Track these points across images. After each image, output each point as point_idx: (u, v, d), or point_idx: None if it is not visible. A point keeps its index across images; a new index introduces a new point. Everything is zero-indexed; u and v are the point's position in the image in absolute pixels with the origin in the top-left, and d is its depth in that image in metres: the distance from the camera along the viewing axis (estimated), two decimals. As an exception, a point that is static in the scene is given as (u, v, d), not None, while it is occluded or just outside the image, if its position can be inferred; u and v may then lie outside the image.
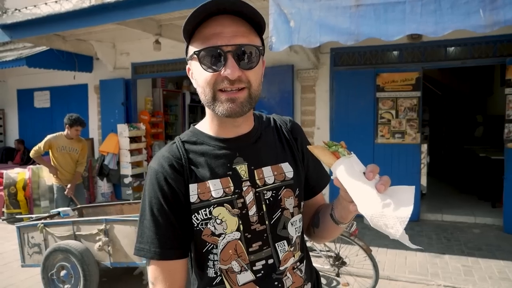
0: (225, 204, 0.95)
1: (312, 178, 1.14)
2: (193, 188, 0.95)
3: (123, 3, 5.20)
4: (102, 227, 3.42)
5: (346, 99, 6.11)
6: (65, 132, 4.86)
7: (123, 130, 7.55)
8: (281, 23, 3.94)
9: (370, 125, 5.95)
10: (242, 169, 0.98)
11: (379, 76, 5.90)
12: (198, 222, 0.95)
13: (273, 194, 1.00)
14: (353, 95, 6.05)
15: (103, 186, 7.73)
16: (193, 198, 0.95)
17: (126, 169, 7.63)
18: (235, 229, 0.96)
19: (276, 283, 0.99)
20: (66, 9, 7.12)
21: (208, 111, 0.99)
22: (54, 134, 4.89)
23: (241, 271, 0.97)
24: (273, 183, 1.01)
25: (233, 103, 0.90)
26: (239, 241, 0.96)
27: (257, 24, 0.93)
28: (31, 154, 4.88)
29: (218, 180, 0.96)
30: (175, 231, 0.95)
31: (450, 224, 5.66)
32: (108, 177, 7.66)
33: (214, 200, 0.95)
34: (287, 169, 1.04)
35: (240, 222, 0.96)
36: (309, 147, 0.93)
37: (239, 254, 0.97)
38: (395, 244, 4.80)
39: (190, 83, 9.65)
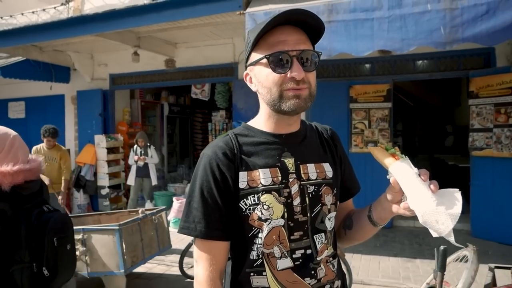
0: (272, 192, 1.03)
1: (347, 183, 1.23)
2: (243, 175, 1.04)
3: (102, 15, 5.27)
4: (79, 236, 3.43)
5: (321, 110, 6.28)
6: (44, 144, 5.11)
7: (101, 141, 7.52)
8: (257, 37, 4.09)
9: (344, 134, 6.16)
10: (289, 162, 1.07)
11: (352, 88, 6.14)
12: (246, 207, 1.03)
13: (315, 189, 1.08)
14: (328, 106, 6.24)
15: (80, 197, 7.64)
16: (242, 184, 1.03)
17: (103, 180, 7.58)
18: (280, 215, 1.03)
19: (312, 272, 1.05)
20: (44, 20, 7.10)
21: (265, 109, 1.10)
22: (36, 146, 5.15)
23: (281, 257, 1.03)
24: (316, 179, 1.09)
25: (298, 99, 1.00)
26: (282, 228, 1.03)
27: (313, 33, 1.05)
28: None
29: (268, 169, 1.04)
30: (222, 213, 1.03)
31: (421, 230, 5.87)
32: (85, 189, 7.58)
33: (263, 187, 1.03)
34: (328, 169, 1.13)
35: (285, 210, 1.03)
36: (369, 148, 1.07)
37: (281, 240, 1.03)
38: (369, 250, 4.97)
39: (169, 94, 9.73)
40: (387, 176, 0.96)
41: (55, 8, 7.98)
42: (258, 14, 4.16)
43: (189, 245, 4.21)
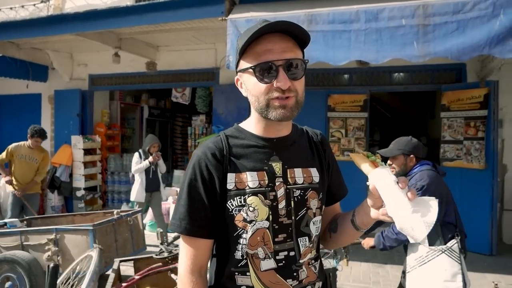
0: (258, 194, 1.06)
1: (333, 187, 1.25)
2: (231, 177, 1.06)
3: (83, 14, 5.24)
4: (52, 236, 3.39)
5: (300, 117, 6.11)
6: (27, 142, 5.08)
7: (78, 141, 7.40)
8: (238, 43, 4.17)
9: (322, 142, 6.26)
10: (277, 166, 1.10)
11: (331, 97, 6.28)
12: (232, 207, 1.06)
13: (301, 193, 1.11)
14: (306, 114, 6.20)
15: (54, 199, 7.48)
16: (230, 185, 1.06)
17: (79, 182, 7.45)
18: (265, 218, 1.05)
19: (294, 274, 1.08)
20: (22, 17, 6.99)
21: (254, 114, 1.13)
22: (16, 143, 5.14)
23: (264, 258, 1.06)
24: (302, 183, 1.12)
25: (284, 109, 1.02)
26: (267, 230, 1.06)
27: (300, 40, 1.06)
28: None
29: (255, 172, 1.07)
30: (207, 212, 1.06)
31: (393, 238, 6.03)
32: (60, 190, 7.43)
33: (250, 189, 1.06)
34: (315, 174, 1.15)
35: (270, 212, 1.06)
36: (351, 154, 1.09)
37: (266, 242, 1.06)
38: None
39: (149, 97, 9.69)
40: (367, 183, 1.00)
41: (34, 5, 7.86)
42: (239, 21, 4.24)
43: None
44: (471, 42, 3.47)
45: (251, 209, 1.05)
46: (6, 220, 4.10)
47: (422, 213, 0.90)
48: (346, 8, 3.93)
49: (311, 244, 1.12)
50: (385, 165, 1.00)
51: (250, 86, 1.07)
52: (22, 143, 5.15)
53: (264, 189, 1.07)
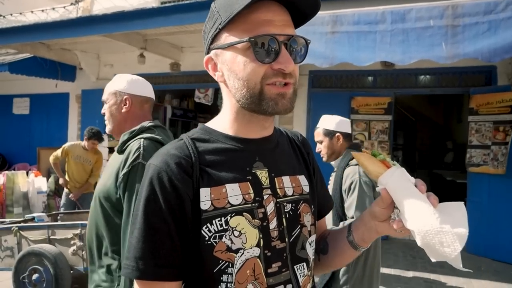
0: (244, 213, 0.81)
1: (319, 199, 1.02)
2: (205, 192, 0.79)
3: (111, 16, 5.36)
4: (77, 231, 3.47)
5: (323, 120, 6.36)
6: (83, 143, 5.12)
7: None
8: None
9: (344, 145, 6.20)
10: (262, 175, 0.86)
11: (354, 99, 6.20)
12: (210, 234, 0.78)
13: (293, 208, 0.88)
14: (329, 116, 6.30)
15: (79, 195, 7.68)
16: (205, 205, 0.79)
17: (103, 179, 7.62)
18: (255, 243, 0.80)
19: None
20: (53, 19, 7.22)
21: (232, 107, 0.86)
22: (72, 143, 5.25)
23: None
24: (292, 195, 0.89)
25: (284, 98, 0.80)
26: (258, 259, 0.80)
27: (300, 16, 0.85)
28: (50, 159, 5.18)
29: (237, 184, 0.82)
30: (174, 245, 0.77)
31: (416, 244, 5.88)
32: (84, 187, 7.63)
33: (232, 208, 0.80)
34: (304, 183, 0.94)
35: (261, 236, 0.81)
36: (353, 153, 0.85)
37: (257, 275, 0.80)
38: (364, 260, 4.98)
39: (172, 97, 9.80)
40: (377, 188, 0.82)
41: (64, 7, 8.12)
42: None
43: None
44: (503, 43, 3.36)
45: (236, 233, 0.79)
46: (34, 214, 4.23)
47: (452, 223, 0.72)
48: (372, 9, 3.87)
49: (309, 272, 0.90)
50: (398, 164, 0.81)
51: (238, 67, 0.80)
52: (77, 142, 5.21)
53: (250, 205, 0.82)
